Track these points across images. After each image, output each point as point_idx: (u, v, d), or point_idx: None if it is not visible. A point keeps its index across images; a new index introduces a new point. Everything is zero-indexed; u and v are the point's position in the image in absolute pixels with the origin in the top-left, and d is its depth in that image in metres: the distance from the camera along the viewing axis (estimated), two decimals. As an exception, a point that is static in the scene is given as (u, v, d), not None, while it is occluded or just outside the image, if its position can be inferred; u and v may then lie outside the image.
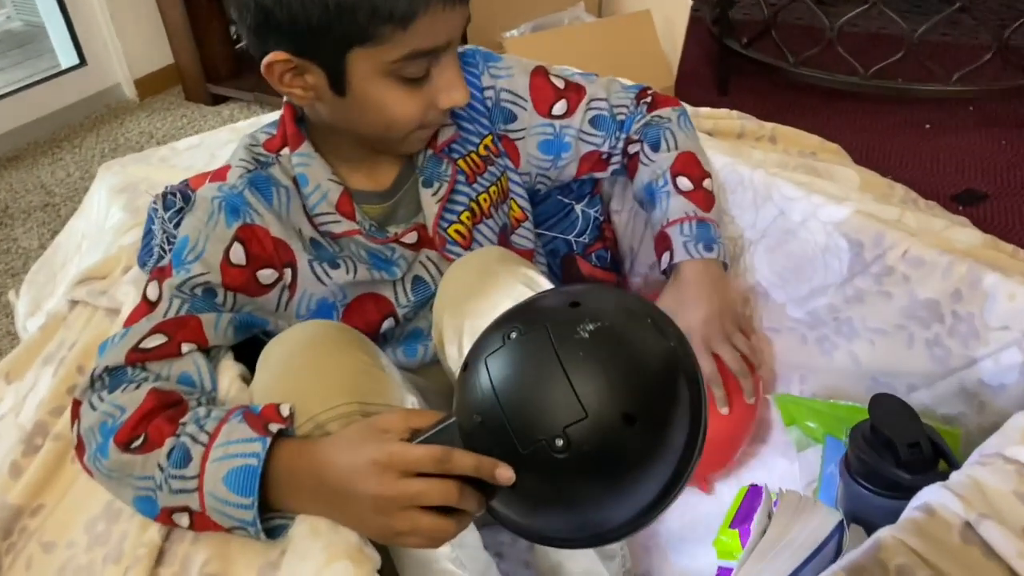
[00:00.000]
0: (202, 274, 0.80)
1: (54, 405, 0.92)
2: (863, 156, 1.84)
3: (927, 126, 2.06)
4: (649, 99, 1.05)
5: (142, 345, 0.77)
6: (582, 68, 1.41)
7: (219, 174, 0.88)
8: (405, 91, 0.79)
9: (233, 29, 2.66)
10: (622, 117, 1.04)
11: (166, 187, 1.01)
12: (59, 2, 2.49)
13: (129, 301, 0.95)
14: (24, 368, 1.05)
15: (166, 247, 0.94)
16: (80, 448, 0.76)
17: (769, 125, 1.29)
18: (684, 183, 0.99)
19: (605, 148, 1.03)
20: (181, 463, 0.70)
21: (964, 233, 0.99)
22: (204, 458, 0.69)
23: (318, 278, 0.86)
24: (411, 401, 0.79)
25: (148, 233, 0.98)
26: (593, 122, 1.02)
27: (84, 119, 2.55)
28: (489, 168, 0.96)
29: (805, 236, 1.04)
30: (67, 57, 2.58)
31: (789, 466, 1.06)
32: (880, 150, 1.98)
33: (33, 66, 3.10)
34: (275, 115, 1.35)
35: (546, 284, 0.81)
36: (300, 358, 0.75)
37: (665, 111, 1.04)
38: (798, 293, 1.06)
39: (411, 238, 0.90)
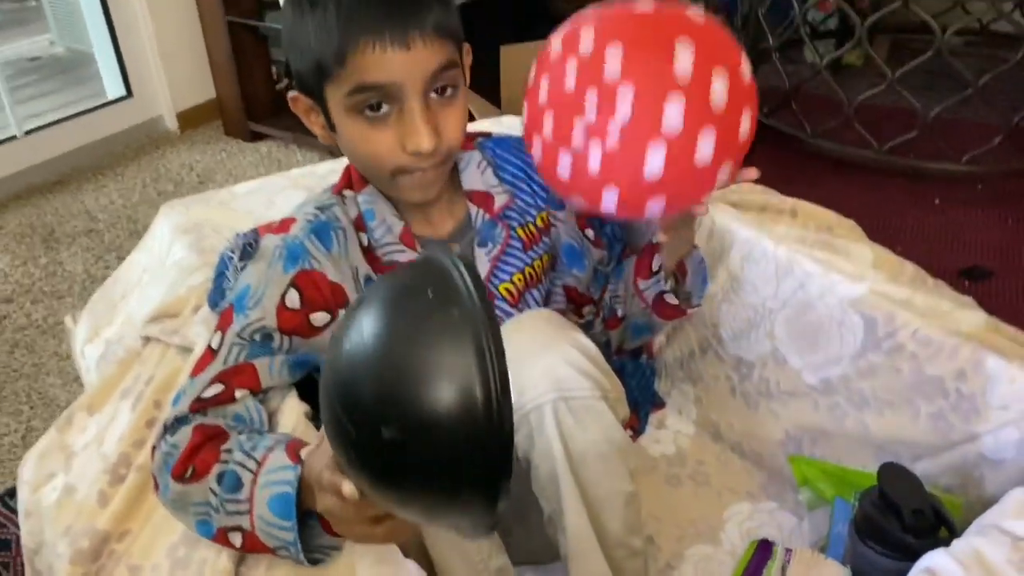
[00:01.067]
0: (259, 319, 0.88)
1: (135, 438, 1.00)
2: (874, 226, 1.92)
3: (937, 201, 2.15)
4: None
5: (203, 395, 0.86)
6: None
7: (284, 226, 0.96)
8: (370, 128, 0.84)
9: (274, 69, 2.78)
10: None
11: (238, 235, 1.09)
12: (111, 35, 2.60)
13: (200, 341, 1.03)
14: (104, 401, 1.13)
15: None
16: (155, 486, 0.85)
17: (790, 200, 1.38)
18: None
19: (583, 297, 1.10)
20: (234, 488, 0.77)
21: (969, 315, 1.07)
22: (253, 483, 0.77)
23: None
24: None
25: (220, 276, 1.07)
26: (595, 273, 1.10)
27: (126, 148, 2.66)
28: (543, 239, 1.04)
29: (823, 310, 1.12)
30: (114, 88, 2.70)
31: (798, 524, 1.13)
32: (891, 222, 2.07)
33: (75, 92, 3.23)
34: (332, 163, 1.45)
35: (592, 348, 0.89)
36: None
37: None
38: (814, 361, 1.14)
39: None
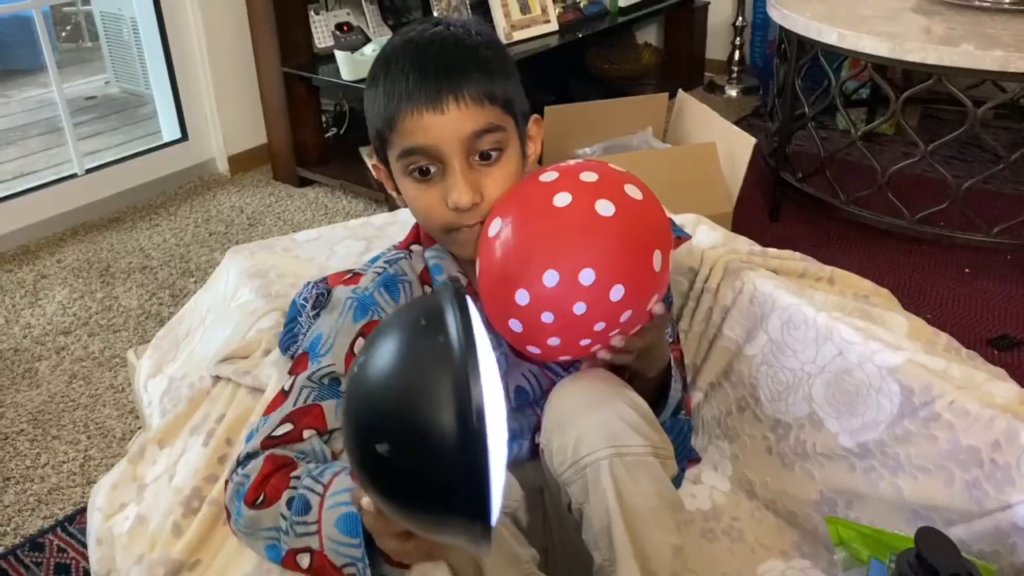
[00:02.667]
0: (330, 365, 0.94)
1: (207, 473, 1.06)
2: (905, 293, 1.97)
3: (966, 270, 2.20)
4: None
5: (273, 433, 0.92)
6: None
7: (355, 279, 1.03)
8: (419, 187, 0.91)
9: (324, 118, 2.89)
10: None
11: (308, 284, 1.17)
12: (171, 82, 2.73)
13: (272, 382, 1.10)
14: (174, 436, 1.19)
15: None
16: (228, 516, 0.91)
17: (828, 268, 1.43)
18: None
19: None
20: (303, 511, 0.83)
21: (1003, 388, 1.12)
22: (320, 506, 0.82)
23: None
24: (521, 495, 0.92)
25: (292, 322, 1.14)
26: None
27: (179, 189, 2.76)
28: None
29: (861, 376, 1.17)
30: (170, 130, 2.81)
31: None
32: (921, 289, 2.12)
33: (129, 132, 3.36)
34: (388, 216, 1.53)
35: (644, 405, 0.95)
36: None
37: None
38: (851, 426, 1.19)
39: None
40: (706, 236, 1.44)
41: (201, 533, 0.98)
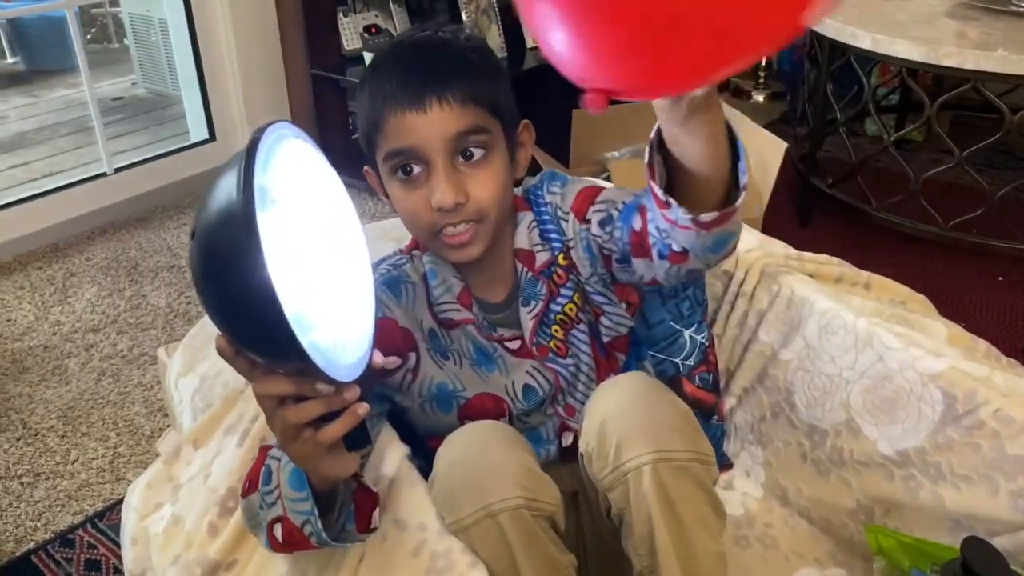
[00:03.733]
0: None
1: (242, 473, 1.05)
2: (937, 301, 1.93)
3: (1000, 278, 2.17)
4: None
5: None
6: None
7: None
8: (404, 188, 0.92)
9: (351, 120, 2.90)
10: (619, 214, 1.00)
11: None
12: (200, 83, 2.74)
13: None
14: (208, 436, 1.19)
15: None
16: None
17: (865, 274, 1.42)
18: None
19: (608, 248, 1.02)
20: (268, 480, 0.83)
21: (1049, 396, 1.10)
22: (279, 470, 0.82)
23: (436, 364, 1.01)
24: (560, 499, 0.91)
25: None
26: (601, 224, 1.00)
27: (206, 188, 2.77)
28: (571, 277, 1.04)
29: (901, 383, 1.15)
30: (198, 131, 2.83)
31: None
32: (953, 297, 2.09)
33: (157, 133, 3.38)
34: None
35: (688, 410, 0.94)
36: (478, 455, 0.88)
37: None
38: (890, 433, 1.17)
39: (514, 344, 1.04)
40: (742, 239, 1.42)
41: (237, 533, 0.98)
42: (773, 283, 1.32)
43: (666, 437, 0.89)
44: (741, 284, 1.35)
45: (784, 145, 2.14)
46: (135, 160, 2.71)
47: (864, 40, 2.08)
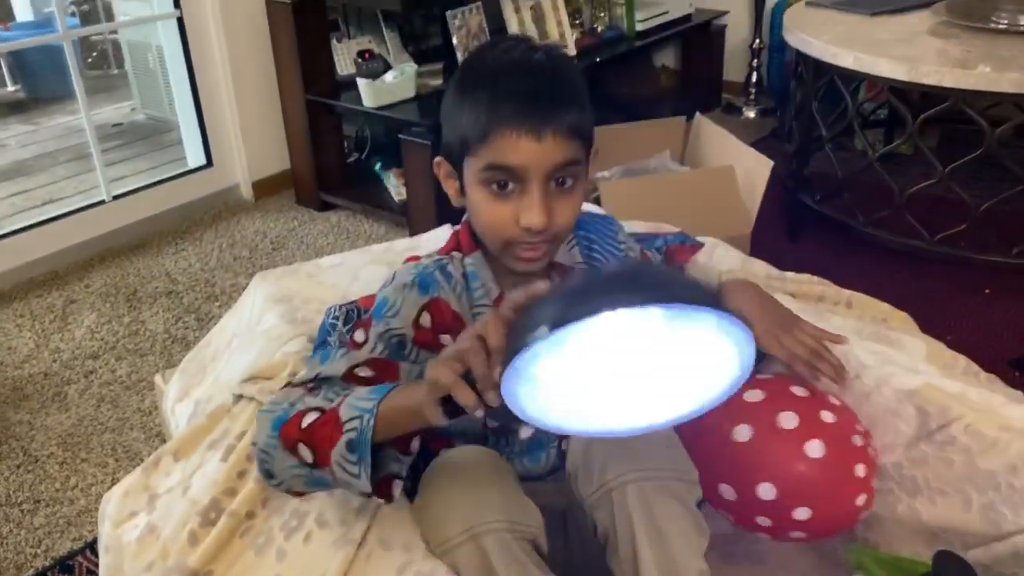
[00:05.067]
0: (399, 328, 0.98)
1: (226, 486, 1.08)
2: (924, 315, 1.95)
3: (987, 291, 2.20)
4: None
5: (358, 372, 0.95)
6: (669, 214, 1.60)
7: (411, 260, 1.09)
8: (494, 199, 0.95)
9: (347, 143, 2.94)
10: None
11: (343, 304, 1.20)
12: (196, 109, 2.78)
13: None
14: (191, 449, 1.22)
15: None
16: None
17: (846, 292, 1.44)
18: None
19: None
20: (332, 384, 0.90)
21: (1021, 411, 1.12)
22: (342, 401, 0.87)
23: None
24: (542, 522, 0.93)
25: (323, 343, 1.17)
26: None
27: (204, 214, 2.81)
28: None
29: (877, 400, 1.18)
30: (195, 157, 2.87)
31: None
32: (940, 310, 2.12)
33: (156, 158, 3.42)
34: (410, 241, 1.55)
35: (671, 431, 0.96)
36: (462, 480, 0.91)
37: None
38: (869, 449, 1.20)
39: None
40: (723, 260, 1.45)
41: (218, 543, 1.00)
42: (754, 303, 1.35)
43: (649, 457, 0.92)
44: (723, 304, 1.37)
45: (770, 163, 2.17)
46: (133, 187, 2.74)
47: (846, 59, 2.11)
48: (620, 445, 0.92)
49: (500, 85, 0.93)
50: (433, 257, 1.07)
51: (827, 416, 1.08)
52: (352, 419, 0.84)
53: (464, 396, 0.73)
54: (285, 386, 0.97)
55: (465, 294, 1.03)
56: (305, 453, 0.86)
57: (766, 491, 1.05)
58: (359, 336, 1.00)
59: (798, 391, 1.12)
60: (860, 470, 1.07)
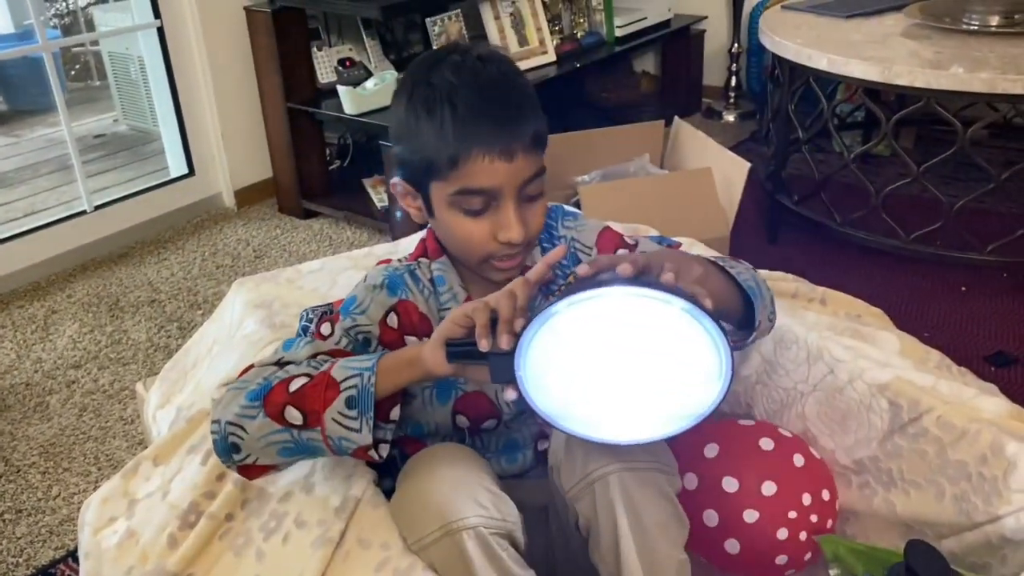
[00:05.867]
0: (366, 325, 1.00)
1: (206, 489, 1.08)
2: (901, 313, 1.99)
3: (963, 288, 2.22)
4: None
5: (320, 358, 0.96)
6: (648, 217, 1.62)
7: (382, 263, 1.10)
8: (467, 220, 0.96)
9: (329, 150, 2.94)
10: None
11: (318, 307, 1.21)
12: (178, 118, 2.79)
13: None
14: (170, 454, 1.22)
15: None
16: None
17: (820, 289, 1.46)
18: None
19: None
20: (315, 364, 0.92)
21: (992, 402, 1.14)
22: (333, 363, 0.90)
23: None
24: (519, 517, 0.94)
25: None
26: None
27: (187, 223, 2.81)
28: None
29: (851, 394, 1.20)
30: (178, 166, 2.87)
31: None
32: (917, 308, 2.14)
33: (138, 168, 3.42)
34: (389, 246, 1.56)
35: None
36: (438, 476, 0.92)
37: None
38: (844, 443, 1.21)
39: None
40: (699, 260, 1.47)
41: (198, 546, 1.00)
42: (730, 301, 1.37)
43: (630, 448, 0.92)
44: (699, 303, 1.39)
45: (747, 165, 2.19)
46: (115, 197, 2.74)
47: (820, 61, 2.14)
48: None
49: (461, 106, 0.92)
50: (402, 264, 1.08)
51: (750, 516, 1.12)
52: (350, 377, 0.88)
53: (483, 331, 0.81)
54: (247, 369, 0.98)
55: (433, 297, 1.05)
56: (294, 416, 0.88)
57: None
58: (325, 329, 1.01)
59: (765, 444, 1.17)
60: (780, 559, 1.14)
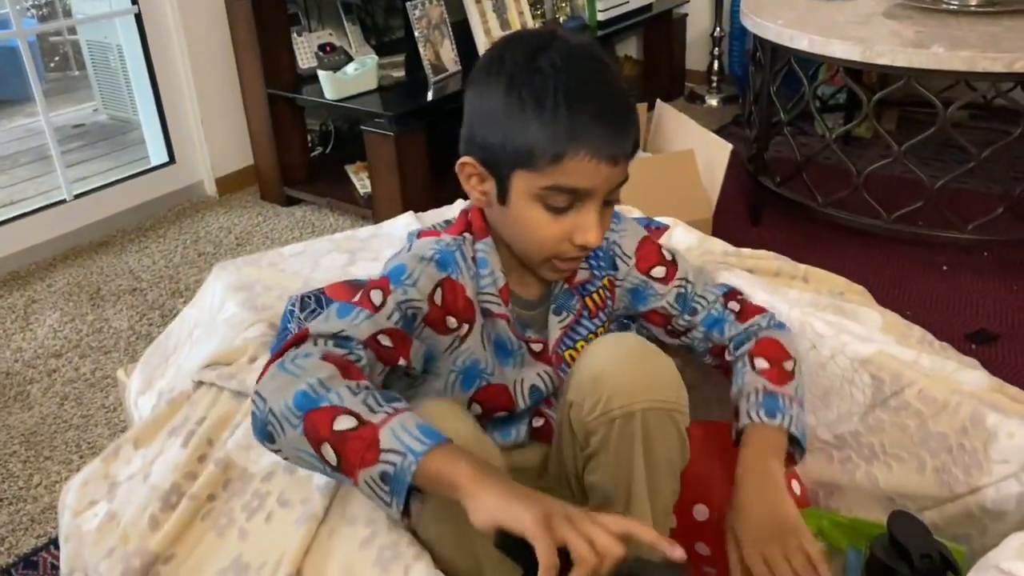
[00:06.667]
0: (417, 299, 0.96)
1: (187, 470, 1.07)
2: (883, 291, 2.00)
3: (944, 268, 2.24)
4: (738, 306, 1.14)
5: (380, 340, 0.92)
6: (630, 199, 1.61)
7: (427, 235, 1.05)
8: (547, 216, 0.94)
9: (310, 137, 2.92)
10: (698, 307, 1.13)
11: (302, 293, 1.20)
12: (157, 106, 2.76)
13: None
14: (151, 437, 1.21)
15: None
16: (282, 352, 0.87)
17: (803, 267, 1.46)
18: (760, 363, 1.07)
19: (674, 323, 1.15)
20: (356, 389, 0.82)
21: (973, 375, 1.15)
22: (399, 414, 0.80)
23: (482, 341, 1.03)
24: (502, 463, 0.93)
25: (284, 329, 1.17)
26: (676, 298, 1.13)
27: (168, 211, 2.79)
28: (608, 303, 1.12)
29: (834, 369, 1.20)
30: (158, 155, 2.84)
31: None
32: (899, 288, 2.15)
33: (118, 158, 3.39)
34: (373, 228, 1.55)
35: (672, 365, 0.98)
36: (444, 421, 0.88)
37: (756, 318, 1.13)
38: (827, 418, 1.22)
39: (537, 347, 1.07)
40: (682, 238, 1.47)
41: (179, 527, 0.99)
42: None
43: (657, 387, 0.95)
44: (682, 281, 1.39)
45: (729, 146, 2.19)
46: (95, 186, 2.72)
47: (801, 41, 2.14)
48: (629, 374, 0.94)
49: (578, 104, 0.89)
50: (451, 238, 1.03)
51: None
52: (393, 452, 0.78)
53: (551, 555, 0.71)
54: (303, 335, 0.90)
55: (475, 279, 1.02)
56: (330, 455, 0.81)
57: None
58: (376, 297, 0.95)
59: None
60: None
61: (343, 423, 0.80)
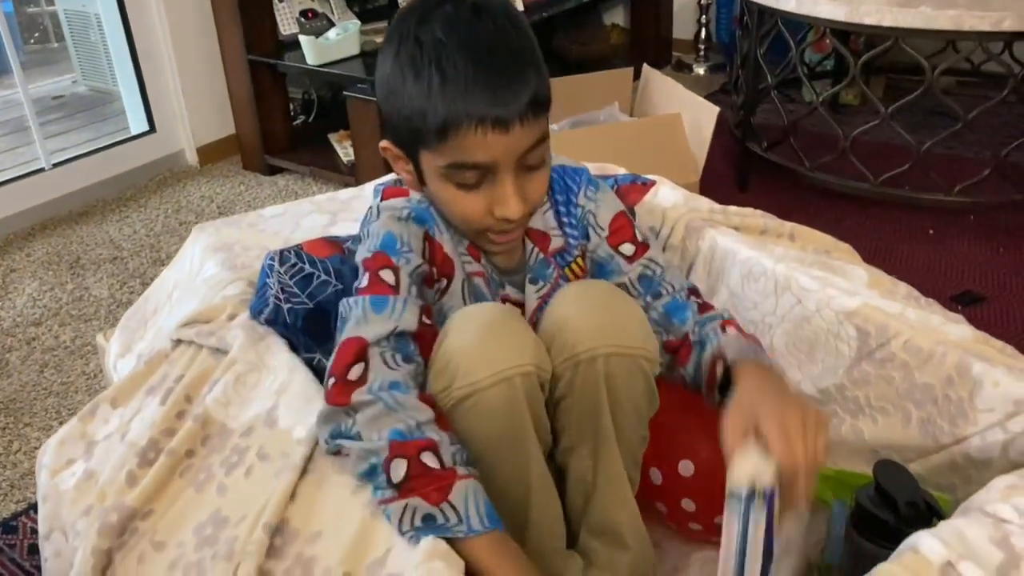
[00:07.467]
0: (421, 264, 0.94)
1: (165, 427, 1.05)
2: (870, 256, 1.97)
3: (931, 231, 2.23)
4: (700, 301, 1.09)
5: (424, 320, 0.91)
6: (617, 163, 1.60)
7: (391, 193, 1.00)
8: (462, 193, 0.90)
9: (293, 105, 2.89)
10: (663, 292, 1.07)
11: (281, 248, 1.18)
12: (136, 74, 2.72)
13: (237, 343, 1.10)
14: (129, 396, 1.19)
15: (281, 297, 1.10)
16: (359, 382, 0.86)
17: (789, 224, 1.45)
18: (732, 331, 1.03)
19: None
20: (448, 441, 0.84)
21: (958, 328, 1.14)
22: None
23: (462, 296, 1.01)
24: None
25: (263, 287, 1.14)
26: (640, 279, 1.07)
27: (149, 181, 2.76)
28: (585, 276, 1.10)
29: (819, 323, 1.19)
30: (138, 124, 2.80)
31: (798, 525, 1.19)
32: (886, 251, 2.15)
33: (98, 129, 3.34)
34: (354, 190, 1.53)
35: (641, 312, 0.98)
36: (490, 329, 0.89)
37: (717, 310, 1.09)
38: (811, 372, 1.21)
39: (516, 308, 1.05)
40: (667, 196, 1.45)
41: (157, 482, 0.98)
42: (698, 237, 1.36)
43: (623, 333, 0.94)
44: (668, 239, 1.38)
45: (716, 109, 2.17)
46: (74, 155, 2.68)
47: (788, 3, 2.12)
48: (596, 319, 0.94)
49: (450, 71, 0.83)
50: (419, 200, 1.00)
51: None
52: (454, 509, 0.81)
53: None
54: (363, 347, 0.88)
55: (451, 236, 1.00)
56: (398, 471, 0.82)
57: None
58: (387, 276, 0.92)
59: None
60: None
61: (427, 460, 0.82)
